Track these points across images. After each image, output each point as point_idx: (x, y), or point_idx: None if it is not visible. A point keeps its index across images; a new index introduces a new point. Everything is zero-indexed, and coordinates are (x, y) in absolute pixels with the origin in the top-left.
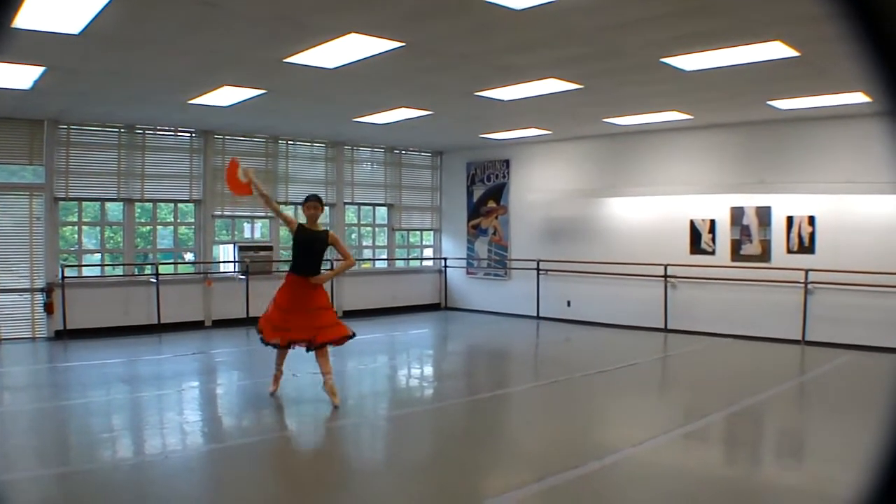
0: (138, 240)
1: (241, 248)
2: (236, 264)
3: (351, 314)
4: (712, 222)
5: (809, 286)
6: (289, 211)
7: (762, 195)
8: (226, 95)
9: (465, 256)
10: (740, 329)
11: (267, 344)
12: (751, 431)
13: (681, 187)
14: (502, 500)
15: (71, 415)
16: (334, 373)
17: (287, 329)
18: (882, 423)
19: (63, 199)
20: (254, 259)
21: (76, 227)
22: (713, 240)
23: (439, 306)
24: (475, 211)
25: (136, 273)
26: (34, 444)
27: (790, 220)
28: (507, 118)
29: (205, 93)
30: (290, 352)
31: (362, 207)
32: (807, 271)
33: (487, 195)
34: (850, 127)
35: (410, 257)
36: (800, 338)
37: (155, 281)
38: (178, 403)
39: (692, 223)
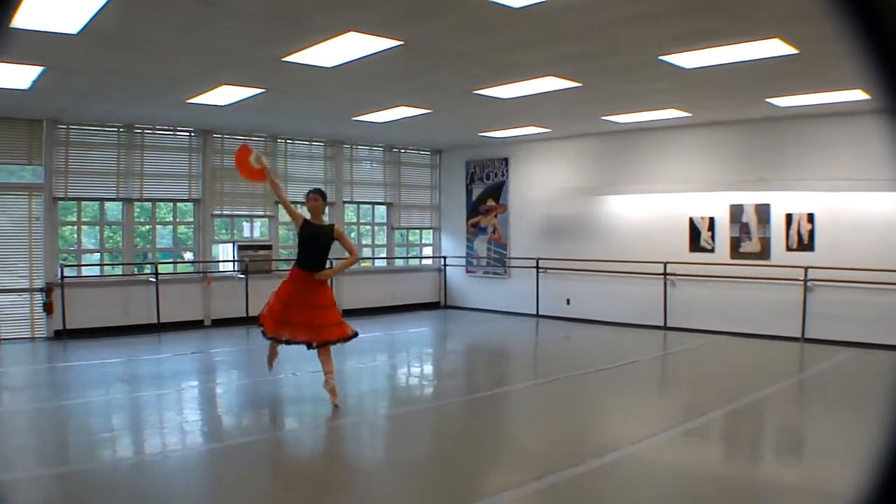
0: (137, 239)
1: (241, 248)
2: (235, 263)
3: (350, 313)
4: (711, 220)
5: (809, 283)
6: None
7: (761, 193)
8: (225, 94)
9: (464, 255)
10: (739, 327)
11: (269, 338)
12: (750, 429)
13: (680, 185)
14: (502, 498)
15: (70, 414)
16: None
17: (287, 322)
18: (882, 421)
19: (62, 199)
20: (253, 258)
21: (75, 227)
22: (712, 237)
23: (439, 305)
24: (474, 209)
25: (136, 272)
26: (33, 444)
27: (789, 217)
28: (506, 116)
29: (204, 92)
30: (291, 351)
31: (361, 206)
32: (806, 269)
33: (487, 193)
34: (849, 124)
35: (410, 256)
36: (799, 335)
37: (154, 280)
38: (178, 403)
39: (691, 221)
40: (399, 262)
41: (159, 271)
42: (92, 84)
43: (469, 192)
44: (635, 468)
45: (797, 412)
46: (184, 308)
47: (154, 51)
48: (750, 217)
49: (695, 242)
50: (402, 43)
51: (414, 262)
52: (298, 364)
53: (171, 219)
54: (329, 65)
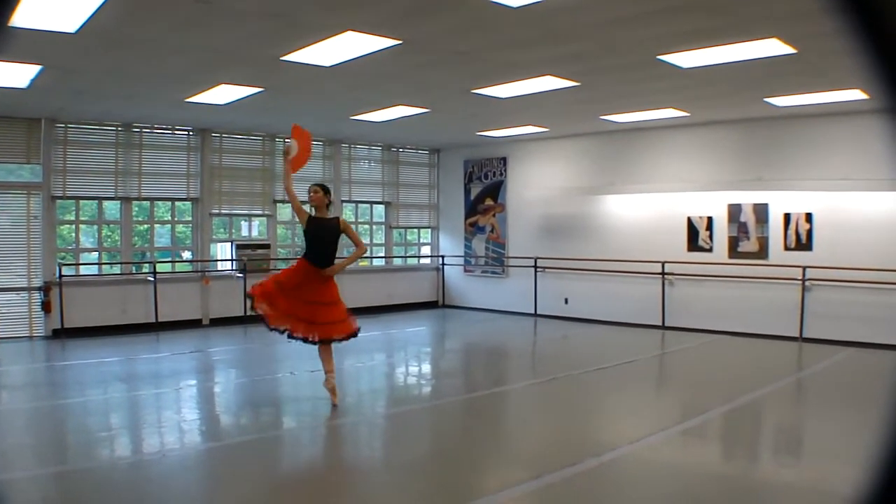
0: (136, 238)
1: (239, 247)
2: (234, 262)
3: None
4: (710, 219)
5: (807, 283)
6: (287, 210)
7: (759, 192)
8: (223, 93)
9: (462, 254)
10: (738, 326)
11: (256, 311)
12: (748, 428)
13: (678, 184)
14: (500, 497)
15: (68, 413)
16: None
17: (289, 315)
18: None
19: (60, 198)
20: (251, 257)
21: (73, 226)
22: (710, 237)
23: (437, 304)
24: (472, 208)
25: (134, 271)
26: (32, 443)
27: (787, 217)
28: (505, 115)
29: (202, 91)
30: (289, 350)
31: (360, 205)
32: (804, 268)
33: (485, 193)
34: (847, 124)
35: (408, 255)
36: (797, 334)
37: (152, 279)
38: (176, 402)
39: (689, 220)
40: (397, 262)
41: (157, 270)
42: (90, 83)
43: (467, 192)
44: (633, 467)
45: (795, 412)
46: (182, 307)
47: (152, 50)
48: (748, 217)
49: (693, 242)
50: (400, 42)
51: (412, 262)
52: (297, 363)
53: (170, 218)
54: (327, 64)
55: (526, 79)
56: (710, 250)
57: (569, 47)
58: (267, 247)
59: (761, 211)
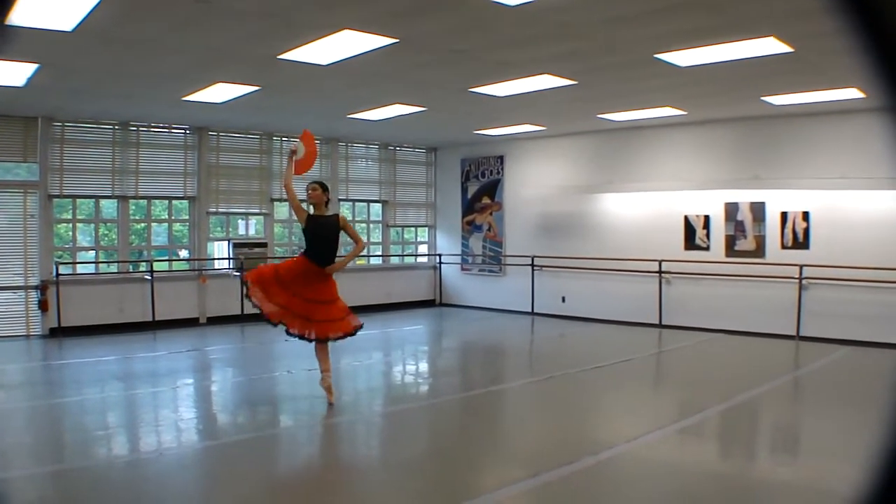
0: (133, 237)
1: (236, 245)
2: (231, 261)
3: None
4: (706, 218)
5: (804, 281)
6: (283, 208)
7: (756, 191)
8: (220, 92)
9: (459, 253)
10: (735, 325)
11: (249, 297)
12: (745, 427)
13: (675, 183)
14: (497, 495)
15: (65, 412)
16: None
17: (286, 310)
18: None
19: (57, 197)
20: (248, 256)
21: (70, 225)
22: (707, 235)
23: (434, 303)
24: (469, 207)
25: (131, 270)
26: (29, 442)
27: (784, 215)
28: (502, 114)
29: (199, 89)
30: (287, 349)
31: (357, 204)
32: (801, 267)
33: (482, 191)
34: (844, 123)
35: (405, 254)
36: (794, 333)
37: (149, 278)
38: (173, 400)
39: (686, 219)
40: (394, 260)
41: (154, 269)
42: (87, 82)
43: (464, 190)
44: (630, 466)
45: (792, 410)
46: (179, 306)
47: (149, 48)
48: (745, 215)
49: (690, 240)
50: (397, 41)
51: (409, 260)
52: (294, 362)
53: (167, 216)
54: (324, 62)
55: (523, 77)
56: (707, 249)
57: (566, 46)
58: (264, 245)
59: (758, 209)
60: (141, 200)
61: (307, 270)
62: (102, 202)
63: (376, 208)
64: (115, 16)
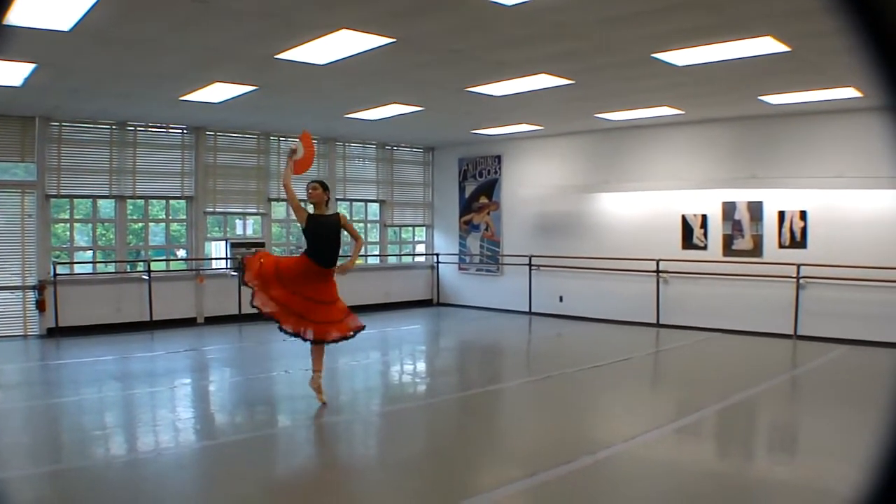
0: (130, 237)
1: (233, 245)
2: (228, 261)
3: None
4: (704, 217)
5: (801, 281)
6: (281, 208)
7: (754, 190)
8: (217, 92)
9: (457, 252)
10: (732, 324)
11: (246, 284)
12: (743, 426)
13: (672, 182)
14: (495, 495)
15: (63, 412)
16: (326, 368)
17: (283, 306)
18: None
19: (55, 197)
20: (246, 256)
21: (68, 225)
22: (705, 235)
23: (431, 302)
24: (467, 207)
25: (129, 270)
26: (26, 442)
27: (782, 214)
28: (499, 114)
29: (196, 89)
30: (284, 348)
31: (354, 203)
32: (798, 266)
33: (479, 191)
34: (841, 122)
35: (402, 253)
36: (792, 332)
37: (147, 278)
38: (171, 400)
39: (684, 218)
40: (392, 260)
41: (152, 269)
42: (84, 81)
43: (462, 190)
44: (628, 465)
45: (790, 409)
46: (176, 306)
47: (146, 48)
48: (742, 214)
49: (687, 240)
50: (394, 40)
51: (407, 260)
52: (291, 362)
53: (164, 216)
54: (322, 62)
55: (520, 77)
56: (704, 248)
57: (563, 45)
58: (261, 245)
59: (756, 209)
60: (138, 200)
61: (308, 270)
62: (100, 202)
63: (374, 208)
64: (112, 15)
